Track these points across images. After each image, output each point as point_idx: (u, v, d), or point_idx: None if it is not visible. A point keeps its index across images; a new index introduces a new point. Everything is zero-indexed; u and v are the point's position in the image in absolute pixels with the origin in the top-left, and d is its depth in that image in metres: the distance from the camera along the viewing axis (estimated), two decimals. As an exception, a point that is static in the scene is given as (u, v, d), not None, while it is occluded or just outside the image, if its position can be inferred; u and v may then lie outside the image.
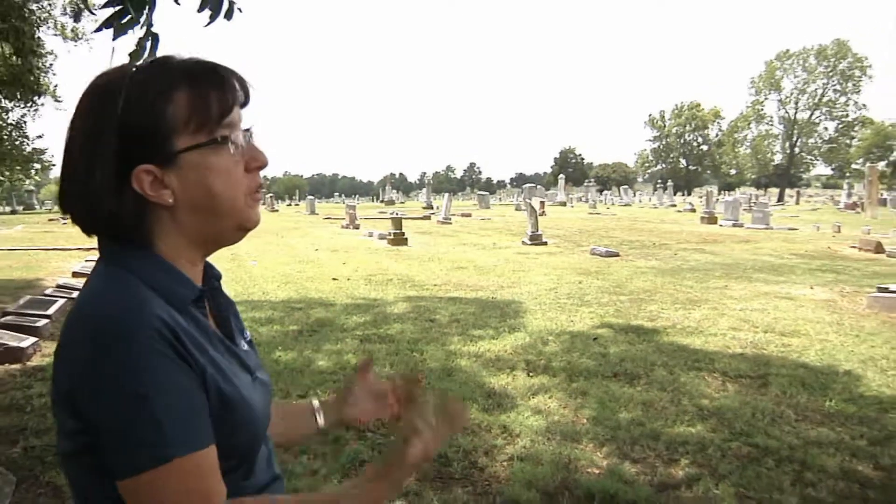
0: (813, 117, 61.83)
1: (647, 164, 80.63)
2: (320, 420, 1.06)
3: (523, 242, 14.23)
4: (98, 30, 2.28)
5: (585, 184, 51.24)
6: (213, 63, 0.79)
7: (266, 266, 10.42)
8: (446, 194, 29.86)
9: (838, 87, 60.21)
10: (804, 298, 7.42)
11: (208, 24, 2.33)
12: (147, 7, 2.32)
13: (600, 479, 2.84)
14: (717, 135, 74.09)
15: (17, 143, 28.55)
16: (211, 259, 0.89)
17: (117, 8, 2.25)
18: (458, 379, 4.29)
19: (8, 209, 39.84)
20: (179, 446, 0.67)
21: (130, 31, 2.31)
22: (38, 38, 17.01)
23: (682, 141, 76.18)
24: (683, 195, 45.22)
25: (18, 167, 28.68)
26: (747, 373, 4.43)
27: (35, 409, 3.70)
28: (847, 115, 60.84)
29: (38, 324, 5.38)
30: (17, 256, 11.58)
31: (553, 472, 2.89)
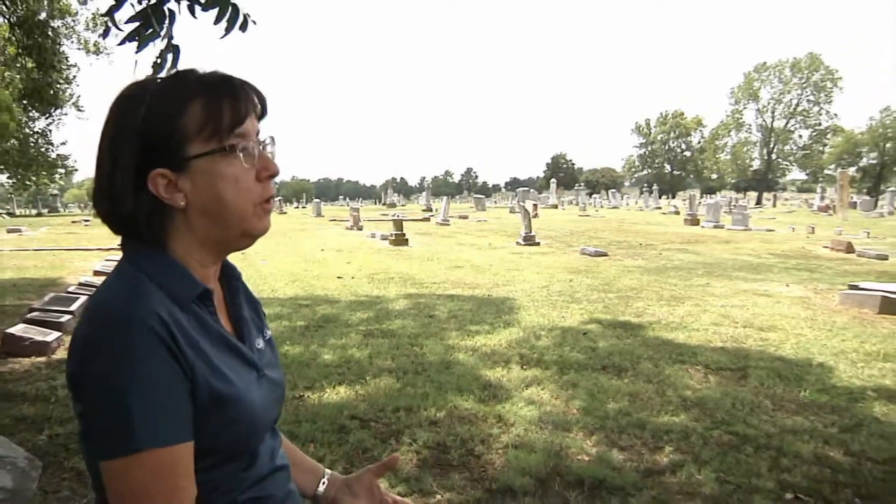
0: (788, 125, 61.87)
1: (633, 169, 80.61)
2: (321, 490, 1.03)
3: (517, 243, 14.23)
4: (122, 43, 2.28)
5: (576, 187, 51.26)
6: (228, 76, 0.79)
7: (275, 265, 10.41)
8: (445, 197, 29.79)
9: (812, 98, 60.35)
10: (781, 295, 7.43)
11: (224, 35, 2.33)
12: (168, 21, 2.32)
13: (590, 465, 2.85)
14: (699, 141, 74.11)
15: (42, 149, 28.55)
16: (227, 259, 0.88)
17: (140, 22, 2.26)
18: (456, 372, 4.29)
19: (34, 212, 39.89)
20: (145, 440, 0.67)
21: (152, 44, 2.31)
22: (63, 52, 17.07)
23: (666, 147, 76.19)
24: (668, 198, 45.23)
25: (44, 172, 28.71)
26: (728, 365, 4.44)
27: (59, 400, 3.70)
28: (820, 124, 60.96)
29: (61, 319, 5.37)
30: (42, 256, 11.55)
31: (545, 460, 2.89)
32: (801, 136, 62.59)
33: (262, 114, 0.82)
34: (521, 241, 14.15)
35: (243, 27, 2.36)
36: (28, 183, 30.20)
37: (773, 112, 61.95)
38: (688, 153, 75.21)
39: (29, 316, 5.44)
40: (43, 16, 14.08)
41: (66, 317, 5.48)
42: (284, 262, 10.92)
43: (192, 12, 2.36)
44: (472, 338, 5.28)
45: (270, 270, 9.77)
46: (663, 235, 16.13)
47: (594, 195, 47.71)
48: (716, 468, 2.81)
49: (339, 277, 9.11)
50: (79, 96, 25.42)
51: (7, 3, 10.12)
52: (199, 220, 0.77)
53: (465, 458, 2.95)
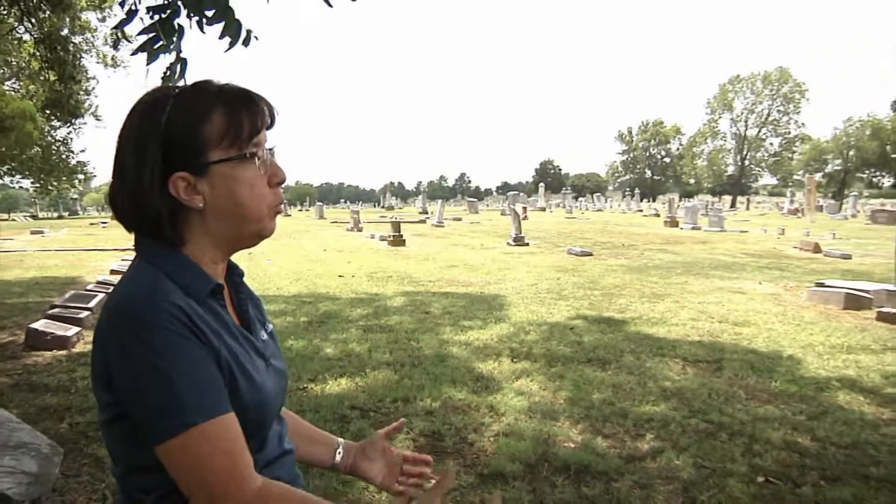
0: (760, 134, 62.33)
1: (617, 174, 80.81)
2: (338, 459, 1.05)
3: (508, 243, 14.23)
4: (134, 54, 2.28)
5: (563, 191, 51.30)
6: (246, 89, 0.81)
7: (280, 264, 10.37)
8: (440, 201, 29.79)
9: (781, 108, 60.85)
10: (753, 292, 7.47)
11: (228, 49, 2.33)
12: (176, 35, 2.32)
13: (576, 452, 2.85)
14: (677, 148, 74.41)
15: (63, 156, 28.52)
16: (231, 258, 0.89)
17: (151, 35, 2.26)
18: (450, 364, 4.29)
19: (55, 215, 39.96)
20: (197, 413, 0.68)
21: (162, 56, 2.31)
22: (82, 65, 17.11)
23: (647, 154, 76.46)
24: (649, 202, 45.29)
25: (64, 178, 28.68)
26: (704, 358, 4.46)
27: (79, 390, 3.69)
28: (789, 133, 61.45)
29: (80, 315, 5.36)
30: (63, 256, 11.48)
31: (534, 447, 2.90)
32: (771, 144, 63.18)
33: (271, 124, 0.83)
34: (512, 242, 14.16)
35: (246, 42, 2.37)
36: (50, 188, 30.25)
37: (746, 121, 62.41)
38: (667, 159, 75.49)
39: (50, 312, 5.43)
40: (65, 32, 14.19)
41: (85, 313, 5.47)
42: (289, 262, 10.88)
43: (200, 27, 2.36)
44: (466, 333, 5.28)
45: (276, 270, 9.73)
46: (644, 236, 16.18)
47: (580, 199, 47.73)
48: (693, 454, 2.82)
49: (340, 276, 9.09)
50: (97, 106, 25.51)
51: (33, 21, 10.22)
52: (215, 221, 0.78)
53: (459, 446, 2.95)
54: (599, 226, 20.09)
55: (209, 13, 2.31)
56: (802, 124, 61.20)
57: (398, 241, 14.18)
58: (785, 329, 5.45)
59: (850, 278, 8.07)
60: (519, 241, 14.10)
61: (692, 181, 70.11)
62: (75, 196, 40.20)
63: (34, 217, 34.69)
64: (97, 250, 12.69)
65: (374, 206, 55.77)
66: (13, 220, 33.52)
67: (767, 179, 68.77)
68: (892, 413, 3.40)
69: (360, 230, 18.85)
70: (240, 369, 0.76)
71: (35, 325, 4.81)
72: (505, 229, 16.90)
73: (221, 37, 2.32)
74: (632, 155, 77.43)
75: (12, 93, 19.79)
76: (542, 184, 46.98)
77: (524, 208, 25.86)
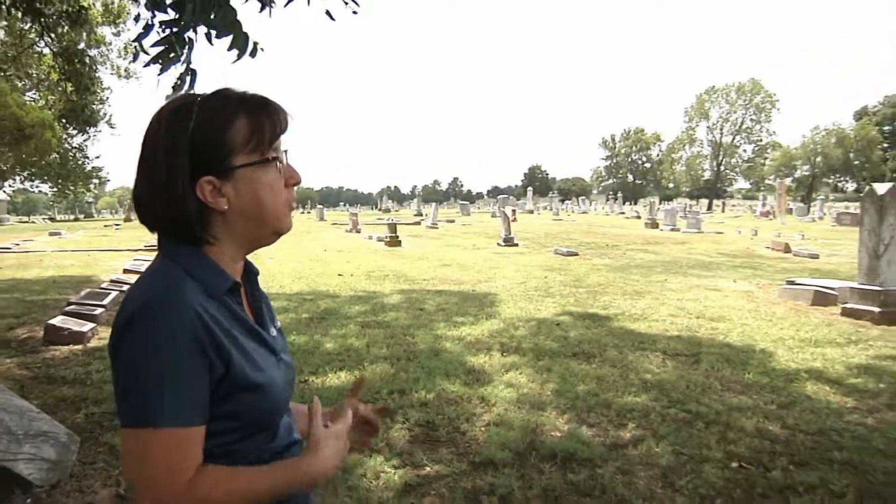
0: (734, 141, 62.59)
1: (600, 179, 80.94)
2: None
3: (498, 244, 14.25)
4: (147, 65, 2.29)
5: (550, 195, 51.29)
6: (265, 97, 0.81)
7: (282, 264, 10.33)
8: (434, 204, 29.72)
9: (754, 117, 61.19)
10: (729, 290, 7.52)
11: (236, 60, 2.34)
12: (187, 47, 2.33)
13: (562, 440, 2.86)
14: (657, 154, 74.62)
15: (79, 162, 28.49)
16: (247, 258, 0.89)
17: (164, 47, 2.27)
18: (443, 358, 4.29)
19: (72, 217, 39.93)
20: (168, 417, 0.68)
21: (174, 67, 2.32)
22: (98, 77, 17.15)
23: (629, 159, 76.61)
24: (631, 205, 45.39)
25: (81, 182, 28.63)
26: (682, 352, 4.48)
27: (94, 383, 3.67)
28: (761, 140, 61.79)
29: (95, 312, 5.35)
30: (79, 256, 11.39)
31: (523, 435, 2.91)
32: (745, 151, 63.49)
33: (286, 130, 0.84)
34: (502, 243, 14.18)
35: (253, 53, 2.38)
36: (67, 192, 30.26)
37: (721, 129, 62.74)
38: (648, 165, 75.71)
39: (67, 309, 5.42)
40: (81, 46, 14.27)
41: (100, 310, 5.46)
42: (291, 261, 10.84)
43: (210, 40, 2.36)
44: (458, 328, 5.28)
45: (278, 268, 9.70)
46: (627, 237, 16.25)
47: (566, 202, 47.77)
48: (672, 441, 2.84)
49: (339, 275, 9.07)
50: (111, 115, 25.60)
51: (52, 36, 10.32)
52: (238, 221, 0.79)
53: (452, 435, 2.95)
54: (584, 227, 20.14)
55: (218, 27, 2.32)
56: (773, 132, 61.59)
57: (394, 241, 14.16)
58: (758, 324, 5.49)
59: (818, 276, 8.15)
60: (508, 241, 14.12)
61: (671, 185, 70.41)
62: (90, 199, 40.11)
63: (52, 219, 34.60)
64: (111, 251, 12.61)
65: (372, 208, 55.61)
66: (33, 222, 33.37)
67: (741, 184, 69.20)
68: (855, 402, 3.43)
69: (358, 231, 18.80)
70: (250, 364, 0.76)
71: (53, 322, 4.80)
72: (495, 231, 16.91)
73: (230, 49, 2.33)
74: (615, 161, 77.59)
75: (32, 103, 19.86)
76: (530, 188, 47.03)
77: (513, 211, 25.86)
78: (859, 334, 5.09)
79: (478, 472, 2.56)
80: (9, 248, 12.85)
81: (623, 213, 34.11)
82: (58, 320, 4.85)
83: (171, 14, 2.35)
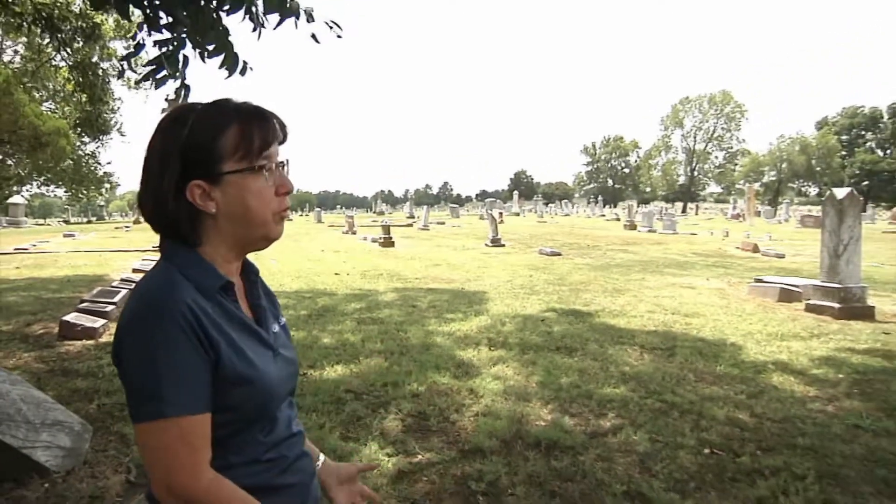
0: (707, 148, 63.29)
1: (582, 183, 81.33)
2: (316, 469, 1.00)
3: (486, 245, 14.27)
4: (138, 82, 2.33)
5: (535, 198, 51.52)
6: (260, 108, 0.81)
7: (283, 264, 10.28)
8: (425, 206, 29.66)
9: (725, 126, 61.93)
10: (702, 287, 7.59)
11: (227, 77, 2.38)
12: (182, 64, 2.35)
13: (546, 429, 2.87)
14: (635, 160, 75.14)
15: (92, 168, 28.38)
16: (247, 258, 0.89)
17: (154, 66, 2.29)
18: (434, 353, 4.28)
19: (85, 220, 40.09)
20: (172, 406, 0.68)
21: (171, 81, 2.33)
22: (110, 88, 17.19)
23: (609, 165, 77.04)
24: (611, 207, 45.66)
25: (93, 187, 28.50)
26: (659, 345, 4.51)
27: (105, 375, 3.64)
28: (732, 147, 62.56)
29: (106, 309, 5.31)
30: (91, 257, 11.26)
31: (509, 425, 2.91)
32: (717, 157, 64.25)
33: (283, 140, 0.83)
34: (489, 243, 14.20)
35: (243, 72, 2.42)
36: (80, 196, 30.30)
37: (694, 137, 63.43)
38: (626, 170, 76.18)
39: (80, 306, 5.38)
40: (95, 59, 14.38)
41: (111, 307, 5.43)
42: (290, 261, 10.78)
43: (203, 58, 2.39)
44: (449, 324, 5.28)
45: (279, 268, 9.64)
46: (607, 238, 16.34)
47: (550, 205, 47.92)
48: (649, 430, 2.86)
49: (336, 274, 9.03)
50: (122, 123, 25.73)
51: (68, 50, 10.40)
52: (226, 224, 0.79)
53: (443, 425, 2.95)
54: (567, 229, 20.23)
55: (210, 47, 2.34)
56: (743, 140, 62.55)
57: (388, 242, 14.13)
58: (728, 319, 5.54)
59: (784, 275, 8.25)
60: (496, 242, 14.15)
61: (648, 189, 70.96)
62: (102, 203, 39.95)
63: (66, 222, 34.42)
64: (121, 251, 12.50)
65: (367, 211, 55.43)
66: (48, 224, 33.37)
67: (714, 188, 69.86)
68: (817, 391, 3.48)
69: (354, 233, 18.73)
70: (240, 357, 0.76)
71: (67, 318, 4.77)
72: (483, 232, 16.94)
73: (221, 67, 2.36)
74: (595, 166, 78.02)
75: (49, 113, 19.87)
76: (516, 191, 47.14)
77: (500, 213, 25.92)
78: (821, 328, 5.16)
79: (467, 459, 2.56)
80: (26, 249, 12.74)
81: (603, 215, 34.30)
82: (72, 317, 4.83)
83: (166, 34, 2.35)
